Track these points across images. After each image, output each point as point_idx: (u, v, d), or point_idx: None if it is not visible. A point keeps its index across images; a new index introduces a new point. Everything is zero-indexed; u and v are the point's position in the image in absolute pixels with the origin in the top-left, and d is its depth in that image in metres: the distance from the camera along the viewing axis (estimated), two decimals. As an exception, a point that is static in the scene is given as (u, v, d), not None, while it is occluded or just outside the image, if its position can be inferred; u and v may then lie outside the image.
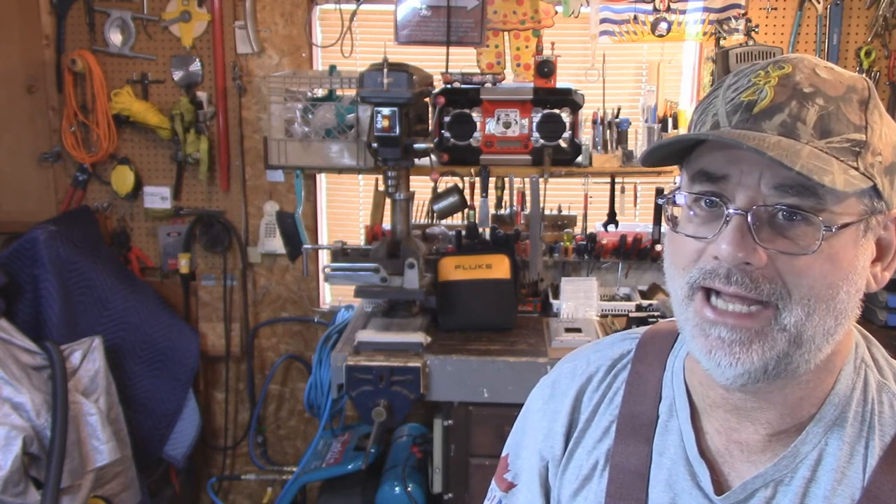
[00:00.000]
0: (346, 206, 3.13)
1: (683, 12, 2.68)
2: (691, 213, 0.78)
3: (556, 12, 2.71)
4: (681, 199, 0.79)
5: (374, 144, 2.41)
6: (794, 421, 0.81)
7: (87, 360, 2.52)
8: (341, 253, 2.62)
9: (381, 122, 2.31)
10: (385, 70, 2.28)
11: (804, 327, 0.74)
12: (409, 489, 2.50)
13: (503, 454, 1.05)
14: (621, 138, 2.73)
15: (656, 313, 2.62)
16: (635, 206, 2.78)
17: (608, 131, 2.73)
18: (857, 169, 0.73)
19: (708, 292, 0.76)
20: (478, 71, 2.73)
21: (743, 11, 2.66)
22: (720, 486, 0.83)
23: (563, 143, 2.66)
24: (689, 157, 0.80)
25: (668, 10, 2.67)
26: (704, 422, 0.86)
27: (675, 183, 2.61)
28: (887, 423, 0.80)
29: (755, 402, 0.81)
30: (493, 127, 2.67)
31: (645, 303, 2.70)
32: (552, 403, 0.98)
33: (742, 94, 0.76)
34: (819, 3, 2.70)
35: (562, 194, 2.85)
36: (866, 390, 0.82)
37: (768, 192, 0.73)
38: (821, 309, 0.74)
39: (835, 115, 0.73)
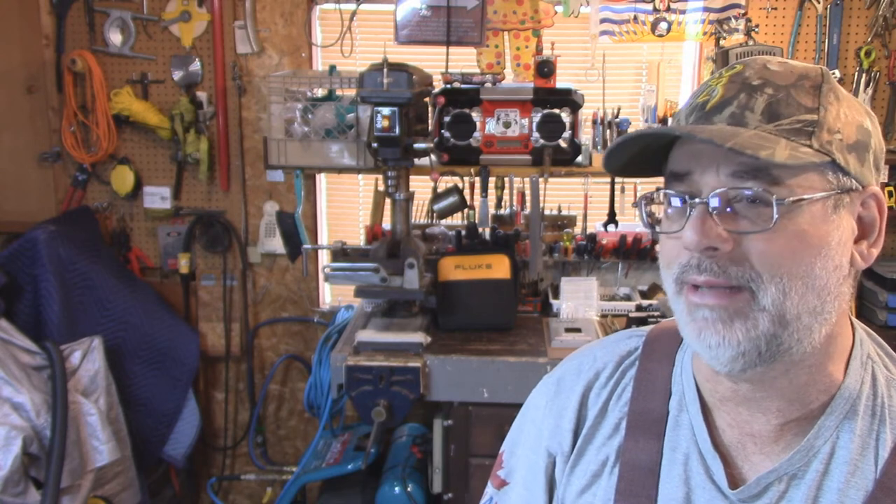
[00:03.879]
0: (346, 206, 3.13)
1: (683, 12, 2.67)
2: (666, 212, 0.82)
3: (556, 12, 2.71)
4: (654, 203, 0.84)
5: (374, 144, 2.41)
6: (804, 408, 0.82)
7: (87, 360, 2.52)
8: (341, 253, 2.62)
9: (381, 122, 2.31)
10: (385, 70, 2.28)
11: (784, 306, 0.75)
12: (409, 489, 2.50)
13: (500, 451, 1.05)
14: (621, 138, 2.73)
15: (656, 313, 2.63)
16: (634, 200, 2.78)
17: (608, 131, 2.73)
18: (809, 146, 0.75)
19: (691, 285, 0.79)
20: (478, 71, 2.72)
21: (743, 11, 2.66)
22: (734, 479, 0.84)
23: (563, 143, 2.66)
24: (664, 165, 0.84)
25: (668, 10, 2.67)
26: (715, 417, 0.87)
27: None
28: None
29: (763, 391, 0.82)
30: (493, 127, 2.67)
31: (645, 303, 2.70)
32: (558, 399, 0.98)
33: (698, 97, 0.81)
34: (819, 3, 2.70)
35: (562, 194, 2.85)
36: (875, 385, 0.84)
37: (726, 180, 0.76)
38: (797, 286, 0.75)
39: (784, 100, 0.77)
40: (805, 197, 0.75)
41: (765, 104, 0.76)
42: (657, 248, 0.86)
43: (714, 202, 0.76)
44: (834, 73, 2.72)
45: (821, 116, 0.76)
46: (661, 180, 0.85)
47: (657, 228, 0.83)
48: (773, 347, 0.76)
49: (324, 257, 3.04)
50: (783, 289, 0.75)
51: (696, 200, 0.77)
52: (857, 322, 0.87)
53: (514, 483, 1.01)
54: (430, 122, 2.65)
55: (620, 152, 0.82)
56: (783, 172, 0.74)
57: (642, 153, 0.83)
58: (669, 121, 2.73)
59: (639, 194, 2.75)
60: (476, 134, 2.67)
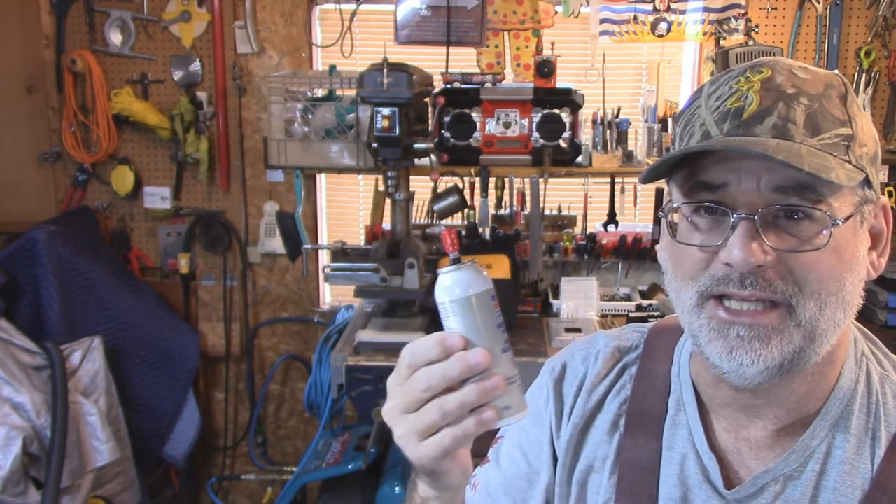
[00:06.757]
0: (346, 206, 3.13)
1: (683, 12, 2.67)
2: (692, 223, 0.78)
3: (556, 12, 2.71)
4: (680, 211, 0.80)
5: (374, 144, 2.41)
6: (801, 415, 0.82)
7: (87, 360, 2.52)
8: (341, 253, 2.62)
9: (381, 122, 2.31)
10: (385, 70, 2.28)
11: (818, 322, 0.74)
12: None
13: (498, 434, 1.05)
14: (621, 138, 2.73)
15: (656, 313, 2.63)
16: (635, 206, 2.78)
17: (608, 131, 2.73)
18: (849, 162, 0.74)
19: (719, 297, 0.76)
20: (478, 71, 2.72)
21: (743, 11, 2.66)
22: (730, 481, 0.84)
23: (563, 143, 2.65)
24: (678, 170, 0.80)
25: (668, 10, 2.67)
26: (712, 419, 0.87)
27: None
28: (892, 415, 0.82)
29: (764, 399, 0.81)
30: (493, 127, 2.66)
31: (645, 303, 2.70)
32: (562, 384, 0.98)
33: (727, 102, 0.77)
34: (819, 3, 2.70)
35: (562, 194, 2.85)
36: (869, 383, 0.84)
37: (769, 194, 0.74)
38: (831, 302, 0.75)
39: (820, 112, 0.75)
40: (850, 214, 0.75)
41: (804, 116, 0.74)
42: (658, 246, 0.83)
43: (762, 218, 0.73)
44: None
45: (853, 130, 0.75)
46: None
47: (681, 240, 0.79)
48: (796, 360, 0.75)
49: (324, 257, 3.04)
50: (820, 305, 0.74)
51: (739, 215, 0.74)
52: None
53: (493, 461, 1.01)
54: (430, 122, 2.65)
55: (664, 165, 0.79)
56: (826, 189, 0.73)
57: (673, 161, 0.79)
58: (672, 116, 2.73)
59: (639, 194, 2.76)
60: (476, 134, 2.67)
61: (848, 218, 0.75)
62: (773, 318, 0.74)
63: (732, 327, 0.75)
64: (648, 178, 0.81)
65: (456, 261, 0.74)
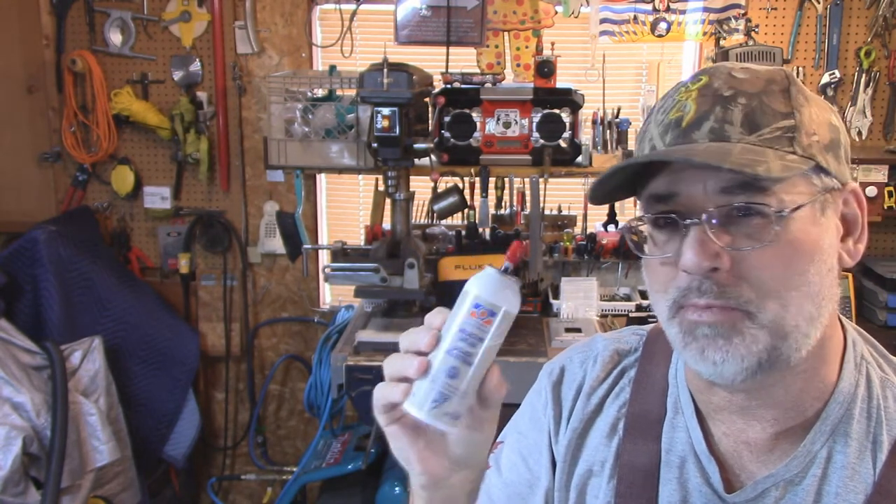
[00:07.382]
0: (346, 206, 3.13)
1: (683, 12, 2.68)
2: (653, 237, 0.80)
3: (556, 12, 2.71)
4: (641, 226, 0.81)
5: (374, 144, 2.41)
6: (799, 416, 0.81)
7: (87, 360, 2.52)
8: (341, 253, 2.62)
9: (381, 122, 2.31)
10: (385, 70, 2.28)
11: (784, 319, 0.74)
12: (409, 489, 2.50)
13: (497, 440, 1.05)
14: (621, 138, 2.73)
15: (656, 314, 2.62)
16: (635, 206, 2.77)
17: (608, 131, 2.73)
18: (794, 153, 0.74)
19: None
20: (478, 71, 2.72)
21: (743, 11, 2.66)
22: (730, 484, 0.84)
23: (563, 143, 2.65)
24: (640, 188, 0.81)
25: (668, 10, 2.67)
26: (710, 425, 0.86)
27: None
28: (893, 419, 0.81)
29: (759, 400, 0.81)
30: (493, 127, 2.66)
31: (645, 303, 2.70)
32: (560, 388, 0.98)
33: (669, 114, 0.79)
34: (819, 3, 2.70)
35: (562, 194, 2.85)
36: (870, 387, 0.83)
37: (717, 197, 0.74)
38: (794, 297, 0.74)
39: (759, 109, 0.75)
40: (800, 205, 0.74)
41: (742, 115, 0.75)
42: (643, 270, 0.84)
43: (710, 220, 0.74)
44: (833, 74, 2.72)
45: (797, 121, 0.75)
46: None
47: (646, 253, 0.81)
48: (773, 357, 0.75)
49: (324, 257, 3.04)
50: (783, 303, 0.74)
51: (690, 221, 0.75)
52: (847, 322, 0.86)
53: (494, 466, 1.01)
54: (430, 122, 2.65)
55: (605, 185, 0.80)
56: (774, 183, 0.73)
57: (625, 178, 0.81)
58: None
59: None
60: (476, 134, 2.67)
61: (798, 208, 0.74)
62: (730, 317, 0.74)
63: (699, 328, 0.76)
64: (595, 199, 0.83)
65: (504, 270, 0.78)
